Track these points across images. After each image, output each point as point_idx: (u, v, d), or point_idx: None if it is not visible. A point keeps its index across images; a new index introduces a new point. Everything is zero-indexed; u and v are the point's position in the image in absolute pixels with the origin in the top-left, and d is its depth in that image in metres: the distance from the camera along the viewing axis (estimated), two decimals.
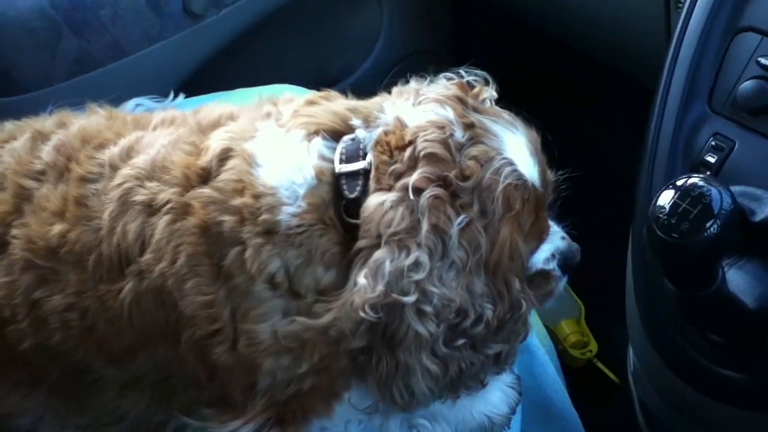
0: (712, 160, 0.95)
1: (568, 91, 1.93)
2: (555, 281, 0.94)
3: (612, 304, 1.15)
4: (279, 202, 0.81)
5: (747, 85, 0.94)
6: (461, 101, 0.88)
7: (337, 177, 0.83)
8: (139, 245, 0.85)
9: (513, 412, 1.02)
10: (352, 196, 0.82)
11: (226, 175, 0.84)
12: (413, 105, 0.88)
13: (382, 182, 0.81)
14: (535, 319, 1.22)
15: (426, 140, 0.82)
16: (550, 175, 0.90)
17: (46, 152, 0.97)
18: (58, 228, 0.89)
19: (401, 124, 0.85)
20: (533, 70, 1.97)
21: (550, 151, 0.91)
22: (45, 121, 1.06)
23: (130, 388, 0.92)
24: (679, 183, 0.80)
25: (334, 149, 0.85)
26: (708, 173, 0.94)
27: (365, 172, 0.83)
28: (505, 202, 0.82)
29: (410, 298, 0.77)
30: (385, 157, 0.83)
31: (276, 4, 1.71)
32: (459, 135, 0.83)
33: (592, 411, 1.19)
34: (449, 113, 0.85)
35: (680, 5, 1.08)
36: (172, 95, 1.44)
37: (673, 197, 0.79)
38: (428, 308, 0.78)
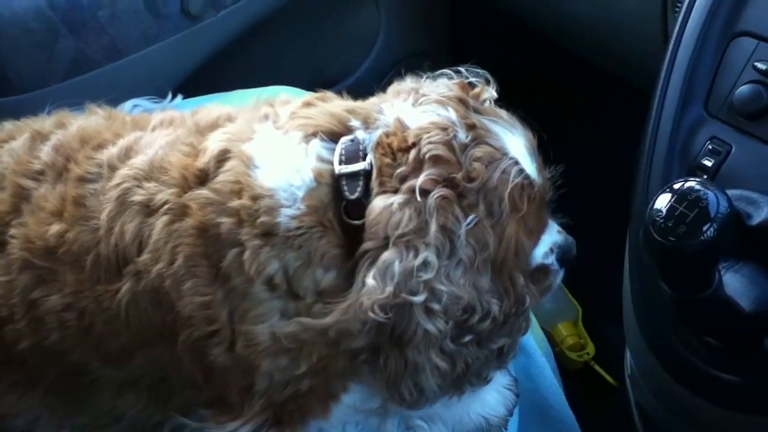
0: (708, 163, 0.95)
1: (565, 93, 1.93)
2: (553, 275, 0.95)
3: (609, 306, 1.15)
4: (277, 204, 0.82)
5: (743, 89, 0.94)
6: (462, 102, 0.88)
7: (337, 178, 0.83)
8: (137, 246, 0.85)
9: (510, 414, 1.02)
10: (353, 197, 0.82)
11: (224, 177, 0.84)
12: (413, 105, 0.88)
13: (387, 185, 0.82)
14: (532, 322, 1.22)
15: (430, 142, 0.82)
16: (546, 173, 0.92)
17: (45, 152, 0.97)
18: (56, 228, 0.89)
19: (402, 126, 0.85)
20: (531, 72, 1.97)
21: (545, 150, 0.92)
22: (44, 122, 1.06)
23: (127, 388, 0.92)
24: (675, 186, 0.80)
25: (333, 151, 0.85)
26: (705, 177, 0.95)
27: (366, 173, 0.83)
28: (512, 202, 0.83)
29: (419, 298, 0.78)
30: (387, 160, 0.83)
31: (274, 5, 1.71)
32: (462, 136, 0.84)
33: (589, 413, 1.19)
34: (451, 114, 0.86)
35: (677, 8, 1.08)
36: (170, 96, 1.44)
37: (670, 200, 0.79)
38: (437, 306, 0.79)
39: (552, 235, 0.94)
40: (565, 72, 1.89)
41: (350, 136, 0.86)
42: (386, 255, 0.78)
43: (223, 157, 0.86)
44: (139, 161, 0.90)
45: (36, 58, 1.42)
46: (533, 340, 1.12)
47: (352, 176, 0.83)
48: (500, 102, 0.94)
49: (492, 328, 0.83)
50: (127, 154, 0.92)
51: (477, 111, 0.88)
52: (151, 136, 0.95)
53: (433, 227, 0.79)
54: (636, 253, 1.01)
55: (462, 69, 0.96)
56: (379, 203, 0.80)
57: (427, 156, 0.82)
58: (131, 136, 0.95)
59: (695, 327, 0.90)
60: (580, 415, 1.13)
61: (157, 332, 0.86)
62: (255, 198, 0.82)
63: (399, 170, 0.82)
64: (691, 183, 0.80)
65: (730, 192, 0.83)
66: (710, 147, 0.96)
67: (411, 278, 0.77)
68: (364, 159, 0.84)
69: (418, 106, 0.88)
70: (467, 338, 0.82)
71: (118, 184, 0.88)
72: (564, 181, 0.95)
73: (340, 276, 0.82)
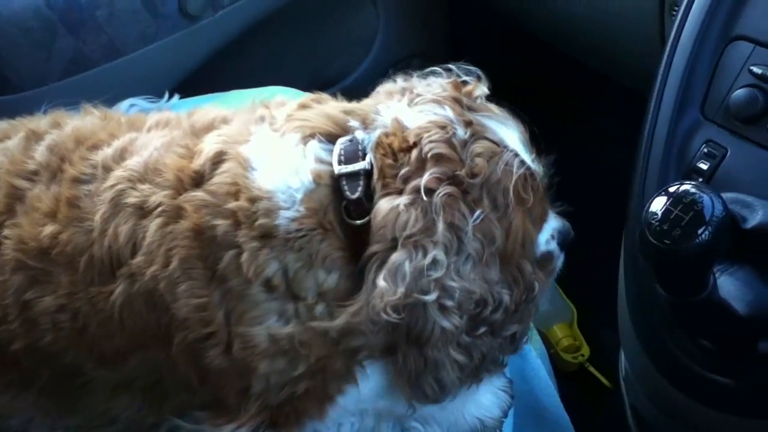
0: (704, 166, 0.95)
1: (563, 94, 1.94)
2: (556, 259, 0.97)
3: (604, 308, 1.15)
4: (276, 207, 0.81)
5: (739, 93, 0.94)
6: (457, 101, 0.89)
7: (337, 178, 0.83)
8: (131, 248, 0.85)
9: (505, 415, 1.03)
10: (354, 196, 0.82)
11: (220, 179, 0.84)
12: (409, 105, 0.88)
13: (390, 186, 0.82)
14: None
15: (431, 141, 0.83)
16: (542, 162, 0.93)
17: (40, 152, 0.97)
18: (49, 229, 0.88)
19: (400, 126, 0.85)
20: (530, 73, 1.97)
21: (537, 142, 0.93)
22: (39, 121, 1.06)
23: (121, 390, 0.92)
24: (671, 189, 0.80)
25: (331, 152, 0.85)
26: (700, 180, 0.95)
27: (366, 173, 0.83)
28: (517, 194, 0.85)
29: (431, 296, 0.79)
30: (389, 161, 0.83)
31: (272, 6, 1.71)
32: (461, 133, 0.85)
33: (584, 415, 1.19)
34: (449, 113, 0.87)
35: (674, 11, 1.08)
36: (167, 96, 1.44)
37: (666, 204, 0.79)
38: (450, 303, 0.80)
39: (552, 222, 0.96)
40: (563, 72, 1.89)
41: (348, 137, 0.86)
42: (396, 256, 0.79)
43: (218, 159, 0.86)
44: (133, 163, 0.89)
45: (34, 57, 1.42)
46: (528, 341, 1.12)
47: (353, 176, 0.83)
48: (497, 101, 0.95)
49: (504, 317, 0.85)
50: (121, 155, 0.92)
51: (470, 108, 0.89)
52: (147, 137, 0.95)
53: (441, 225, 0.79)
54: (631, 256, 1.01)
55: (453, 67, 0.96)
56: (384, 205, 0.81)
57: (429, 155, 0.82)
58: (126, 137, 0.95)
59: (690, 330, 0.90)
60: (574, 416, 1.13)
61: (151, 334, 0.86)
62: (253, 200, 0.82)
63: (402, 171, 0.82)
64: (687, 186, 0.80)
65: (725, 195, 0.83)
66: (706, 150, 0.96)
67: (422, 278, 0.78)
68: (363, 159, 0.84)
69: (414, 106, 0.88)
70: (481, 330, 0.84)
71: (112, 186, 0.88)
72: (560, 182, 0.96)
73: (342, 277, 0.82)
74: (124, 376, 0.90)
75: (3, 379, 0.95)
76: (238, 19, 1.65)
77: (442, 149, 0.83)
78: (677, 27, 1.04)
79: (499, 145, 0.86)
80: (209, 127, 0.92)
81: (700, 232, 0.76)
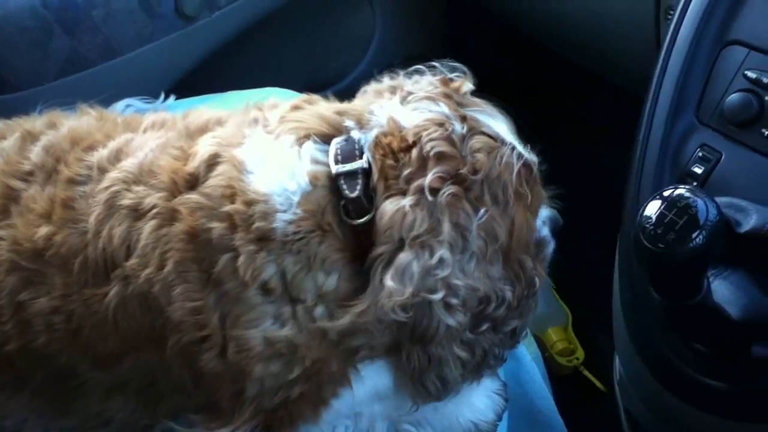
0: (699, 170, 0.95)
1: (558, 94, 1.94)
2: (548, 245, 0.97)
3: (600, 311, 1.15)
4: (273, 209, 0.81)
5: (734, 97, 0.95)
6: (449, 97, 0.89)
7: (335, 178, 0.83)
8: (125, 250, 0.84)
9: (499, 419, 1.03)
10: (353, 195, 0.82)
11: (215, 181, 0.84)
12: (401, 104, 0.88)
13: (393, 187, 0.82)
14: None
15: (432, 139, 0.83)
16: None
17: (35, 153, 0.96)
18: (44, 230, 0.88)
19: (397, 125, 0.85)
20: (526, 73, 1.98)
21: (522, 134, 0.94)
22: (35, 121, 1.05)
23: (115, 392, 0.91)
24: (665, 194, 0.81)
25: (326, 152, 0.85)
26: (695, 184, 0.95)
27: (364, 171, 0.83)
28: (516, 189, 0.85)
29: (438, 295, 0.79)
30: (390, 161, 0.83)
31: (269, 7, 1.71)
32: (459, 128, 0.85)
33: (578, 419, 1.19)
34: (444, 109, 0.87)
35: (670, 15, 1.08)
36: (162, 96, 1.44)
37: (660, 207, 0.79)
38: (455, 301, 0.80)
39: (543, 210, 0.96)
40: (560, 73, 1.89)
41: (343, 137, 0.86)
42: (403, 256, 0.79)
43: (213, 161, 0.86)
44: (128, 164, 0.89)
45: (30, 56, 1.42)
46: (523, 344, 1.12)
47: (351, 175, 0.83)
48: (493, 100, 0.95)
49: (506, 313, 0.85)
50: (117, 157, 0.91)
51: (461, 104, 0.90)
52: (142, 139, 0.94)
53: (446, 225, 0.80)
54: (626, 260, 1.01)
55: (437, 64, 0.97)
56: (390, 207, 0.81)
57: (431, 153, 0.82)
58: (122, 138, 0.95)
59: (684, 334, 0.90)
60: (568, 420, 1.14)
61: (145, 337, 0.86)
62: (249, 203, 0.82)
63: (405, 172, 0.82)
64: (681, 190, 0.80)
65: (719, 199, 0.83)
66: (700, 154, 0.97)
67: (429, 277, 0.79)
68: (360, 158, 0.84)
69: (407, 104, 0.88)
70: (484, 326, 0.85)
71: (107, 187, 0.88)
72: (555, 185, 0.96)
73: (342, 279, 0.82)
74: (118, 378, 0.90)
75: None
76: (234, 20, 1.65)
77: (443, 147, 0.83)
78: (673, 31, 1.04)
79: (496, 139, 0.86)
80: (203, 129, 0.92)
81: (694, 236, 0.76)
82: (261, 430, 0.86)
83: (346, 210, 0.82)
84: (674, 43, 1.03)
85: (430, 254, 0.79)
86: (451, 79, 0.94)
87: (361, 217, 0.82)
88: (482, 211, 0.82)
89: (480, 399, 1.01)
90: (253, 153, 0.85)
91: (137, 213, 0.85)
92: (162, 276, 0.82)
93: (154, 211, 0.84)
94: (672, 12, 1.07)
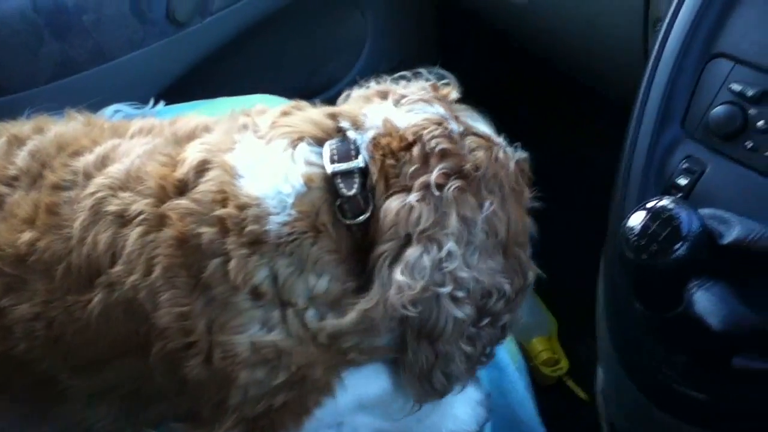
0: (683, 182, 0.96)
1: (552, 98, 1.94)
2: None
3: (585, 321, 1.15)
4: (265, 212, 0.81)
5: (719, 110, 0.95)
6: (442, 100, 0.91)
7: (331, 177, 0.83)
8: (110, 257, 0.84)
9: (481, 429, 1.03)
10: (350, 193, 0.82)
11: (205, 187, 0.84)
12: (395, 106, 0.89)
13: (395, 185, 0.83)
14: None
15: (433, 137, 0.84)
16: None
17: (21, 158, 0.96)
18: (27, 236, 0.88)
19: (393, 126, 0.86)
20: (519, 77, 1.98)
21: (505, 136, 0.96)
22: (22, 126, 1.05)
23: (97, 399, 0.91)
24: (649, 205, 0.81)
25: (320, 154, 0.85)
26: (680, 195, 0.95)
27: (361, 171, 0.83)
28: (512, 185, 0.87)
29: (446, 288, 0.80)
30: (390, 161, 0.84)
31: (261, 13, 1.72)
32: (455, 127, 0.87)
33: (561, 429, 1.19)
34: (440, 110, 0.88)
35: (657, 28, 1.09)
36: (152, 102, 1.43)
37: (644, 219, 0.80)
38: (462, 293, 0.81)
39: None
40: (554, 77, 1.89)
41: (337, 138, 0.86)
42: (411, 251, 0.80)
43: (202, 167, 0.85)
44: (115, 170, 0.89)
45: (21, 60, 1.42)
46: (507, 354, 1.13)
47: (348, 174, 0.83)
48: (486, 106, 0.96)
49: (504, 307, 0.86)
50: (103, 162, 0.91)
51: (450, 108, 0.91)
52: (129, 144, 0.94)
53: (453, 218, 0.81)
54: (610, 270, 1.02)
55: (422, 71, 0.98)
56: (394, 203, 0.81)
57: (435, 150, 0.83)
58: (109, 144, 0.94)
59: (666, 344, 0.91)
60: (551, 430, 1.14)
61: (129, 344, 0.85)
62: (241, 207, 0.81)
63: (409, 169, 0.83)
64: (665, 202, 0.81)
65: (703, 211, 0.84)
66: (685, 166, 0.97)
67: (438, 270, 0.80)
68: (356, 158, 0.84)
69: (401, 106, 0.89)
70: (485, 320, 0.85)
71: (92, 193, 0.87)
72: (543, 192, 0.97)
73: (333, 280, 0.82)
74: (100, 386, 0.89)
75: None
76: (226, 27, 1.65)
77: (446, 144, 0.84)
78: (660, 43, 1.05)
79: (489, 140, 0.88)
80: (191, 136, 0.92)
81: (676, 247, 0.77)
82: None
83: (342, 209, 0.83)
84: (661, 55, 1.04)
85: (439, 247, 0.80)
86: (439, 86, 0.95)
87: (357, 217, 0.82)
88: (487, 203, 0.83)
89: (463, 410, 1.01)
90: (245, 157, 0.85)
91: (123, 219, 0.85)
92: (148, 282, 0.82)
93: (141, 217, 0.84)
94: (659, 25, 1.08)
